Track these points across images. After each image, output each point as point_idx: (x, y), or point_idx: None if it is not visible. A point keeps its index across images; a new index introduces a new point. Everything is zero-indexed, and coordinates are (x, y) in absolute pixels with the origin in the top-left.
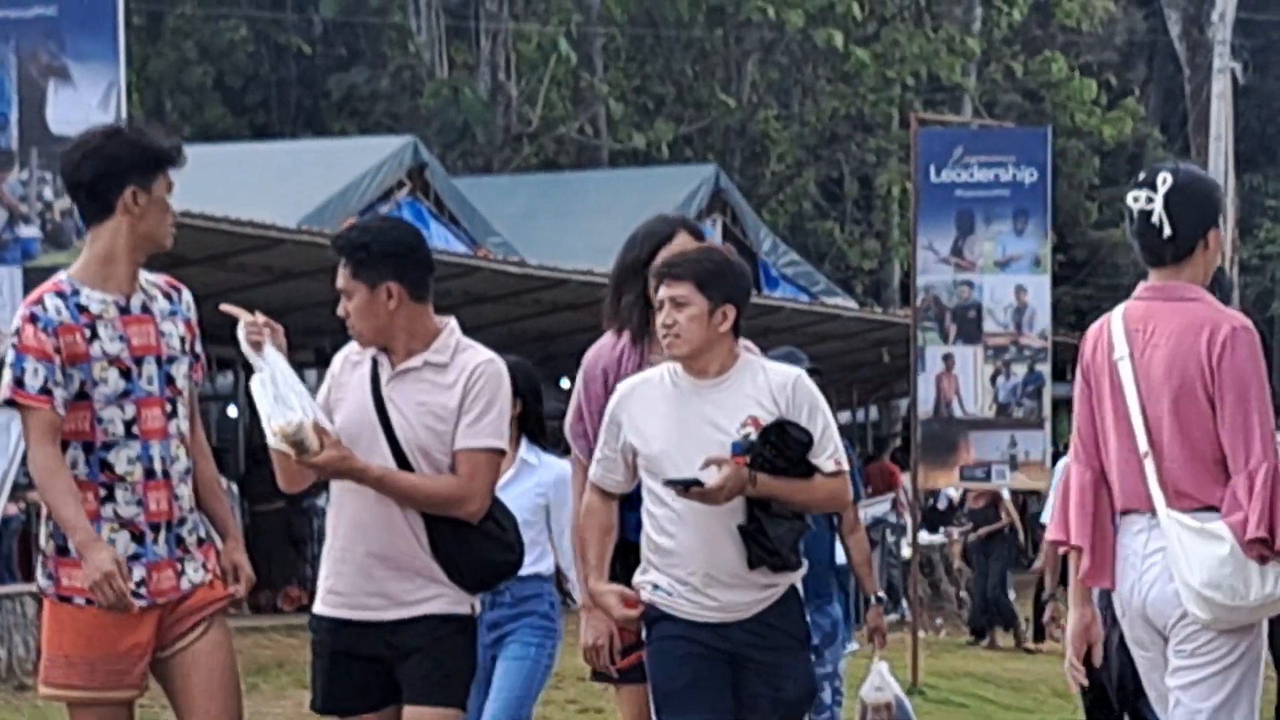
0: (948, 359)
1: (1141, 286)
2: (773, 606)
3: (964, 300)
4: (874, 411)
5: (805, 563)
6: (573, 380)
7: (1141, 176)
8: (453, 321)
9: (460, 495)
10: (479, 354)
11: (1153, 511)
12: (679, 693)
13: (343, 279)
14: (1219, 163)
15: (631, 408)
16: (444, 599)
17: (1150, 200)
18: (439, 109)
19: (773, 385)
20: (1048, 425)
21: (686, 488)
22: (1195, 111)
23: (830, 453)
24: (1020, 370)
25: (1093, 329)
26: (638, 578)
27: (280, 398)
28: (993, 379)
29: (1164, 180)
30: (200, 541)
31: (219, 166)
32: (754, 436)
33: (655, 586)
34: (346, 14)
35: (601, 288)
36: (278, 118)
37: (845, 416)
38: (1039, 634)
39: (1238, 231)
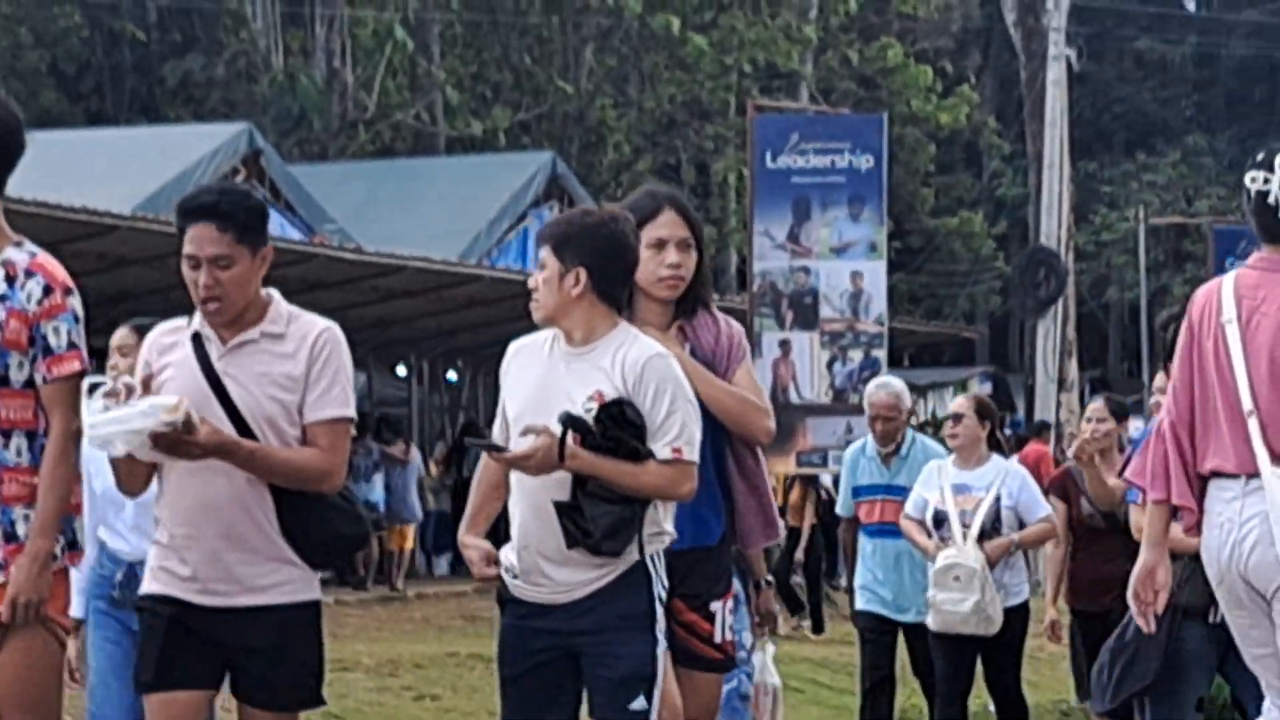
0: (784, 345)
1: (1254, 257)
2: (610, 586)
3: (800, 287)
4: None
5: (635, 549)
6: (410, 368)
7: (1260, 157)
8: (275, 291)
9: (326, 468)
10: (315, 321)
11: (1248, 475)
12: (512, 681)
13: (223, 245)
14: (1054, 150)
15: (512, 368)
16: (293, 585)
17: (1268, 181)
18: (275, 96)
19: (626, 361)
20: None
21: (489, 450)
22: (1031, 98)
23: (671, 439)
24: (857, 356)
25: (1202, 291)
26: (504, 550)
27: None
28: (829, 365)
29: None
30: (8, 538)
31: (53, 153)
32: (594, 411)
33: (506, 566)
34: (182, 1)
35: (439, 274)
36: (112, 104)
37: None
38: (818, 626)
39: (1073, 218)
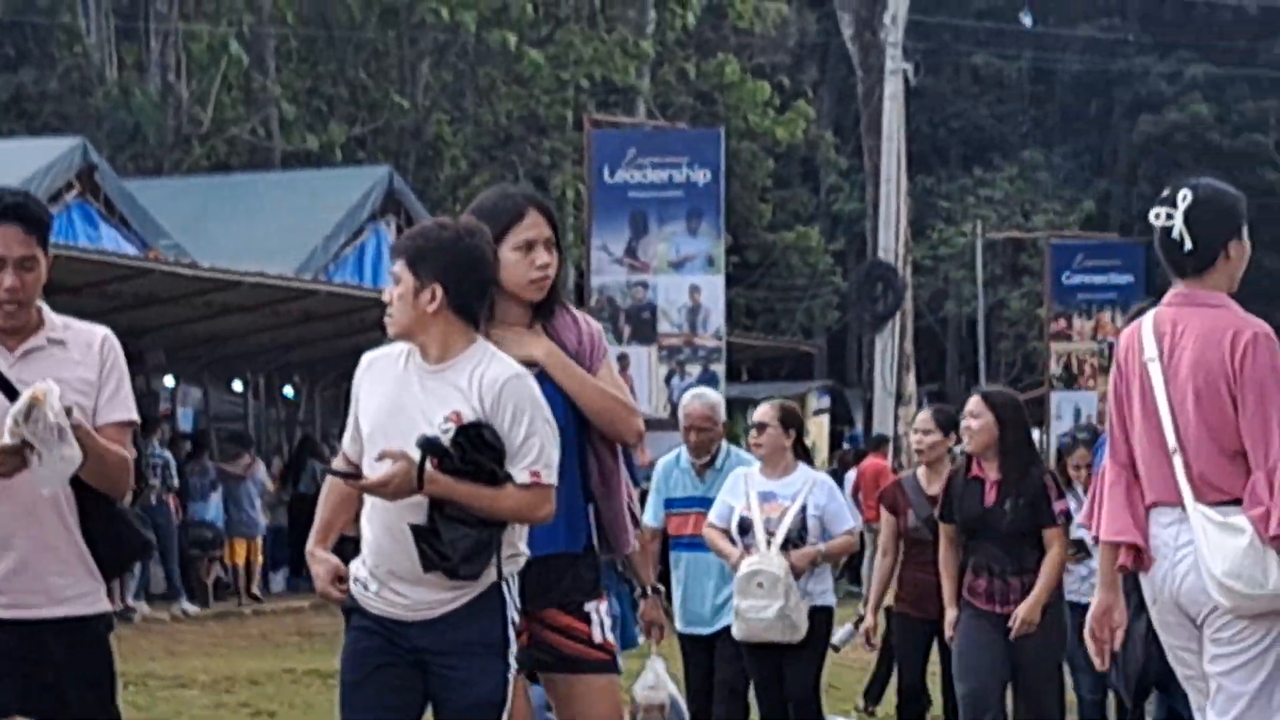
0: (622, 359)
1: (1170, 293)
2: (465, 608)
3: (638, 301)
4: None
5: (493, 572)
6: (245, 383)
7: (1165, 193)
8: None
9: (128, 468)
10: (93, 328)
11: (1183, 505)
12: (354, 686)
13: (30, 247)
14: (891, 164)
15: (365, 380)
16: (92, 595)
17: (1170, 217)
18: (109, 110)
19: (484, 382)
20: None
21: (346, 476)
22: (868, 113)
23: (529, 463)
24: (695, 370)
25: (1126, 332)
26: (353, 564)
27: None
28: (667, 379)
29: (1184, 197)
30: None
31: None
32: (451, 433)
33: (356, 579)
34: (14, 14)
35: (274, 289)
36: None
37: None
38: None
39: (910, 232)
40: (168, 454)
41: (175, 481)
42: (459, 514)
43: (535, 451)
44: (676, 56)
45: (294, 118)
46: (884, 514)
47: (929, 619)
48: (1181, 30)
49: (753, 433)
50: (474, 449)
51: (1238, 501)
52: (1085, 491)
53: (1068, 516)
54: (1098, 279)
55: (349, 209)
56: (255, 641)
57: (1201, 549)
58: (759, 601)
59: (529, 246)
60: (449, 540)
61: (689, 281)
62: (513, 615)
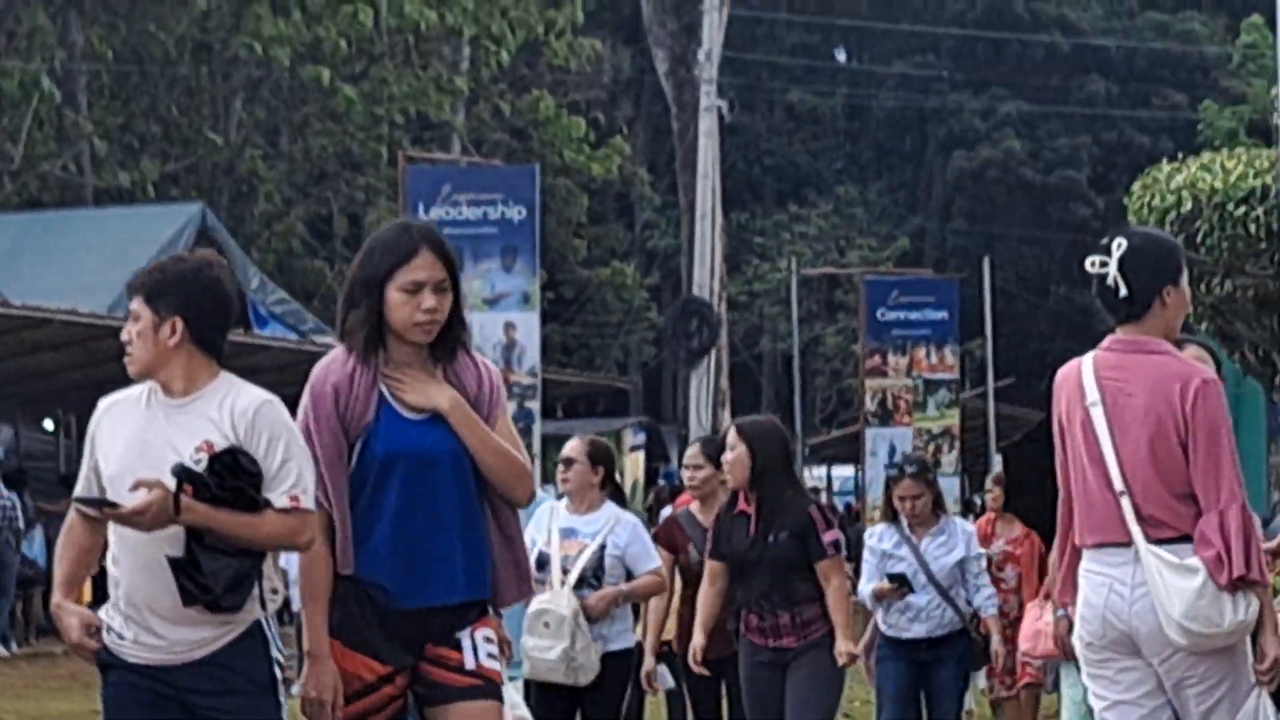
0: None
1: (1109, 339)
2: (229, 647)
3: None
4: None
5: (256, 606)
6: (57, 422)
7: (1102, 242)
8: None
9: None
10: None
11: (1131, 544)
12: None
13: None
14: (706, 200)
15: (104, 425)
16: None
17: (1105, 265)
18: None
19: (235, 410)
20: (538, 461)
21: (100, 506)
22: (683, 149)
23: (287, 488)
24: (510, 407)
25: (1060, 376)
26: (102, 612)
27: None
28: None
29: (1119, 245)
30: None
31: None
32: (205, 462)
33: (109, 628)
34: None
35: (87, 327)
36: None
37: None
38: None
39: (726, 268)
40: (14, 495)
41: (20, 523)
42: (218, 544)
43: (293, 476)
44: (491, 93)
45: (106, 154)
46: (661, 551)
47: (713, 659)
48: (995, 67)
49: (560, 468)
50: (231, 475)
51: (1186, 538)
52: (911, 524)
53: (838, 547)
54: (913, 315)
55: (162, 246)
56: (66, 682)
57: (1158, 592)
58: (544, 641)
59: (416, 288)
60: (210, 571)
61: (504, 319)
62: (277, 655)
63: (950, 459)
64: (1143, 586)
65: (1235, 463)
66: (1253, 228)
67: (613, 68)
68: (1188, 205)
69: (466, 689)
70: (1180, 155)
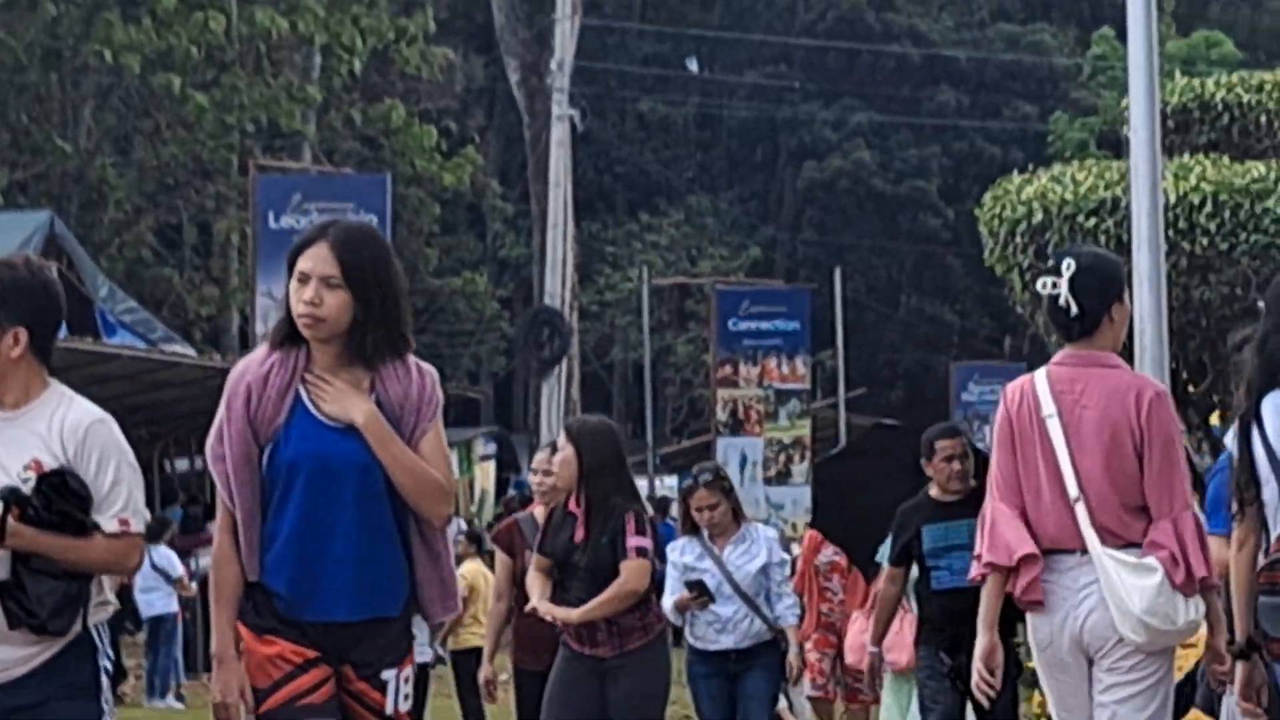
0: None
1: (1061, 354)
2: (53, 659)
3: None
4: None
5: (79, 625)
6: None
7: (1050, 264)
8: None
9: None
10: None
11: (1082, 550)
12: None
13: None
14: (558, 209)
15: None
16: None
17: (1056, 285)
18: None
19: (65, 427)
20: None
21: None
22: (534, 158)
23: (117, 510)
24: None
25: (1013, 388)
26: None
27: None
28: None
29: (1068, 266)
30: None
31: None
32: (33, 482)
33: None
34: None
35: None
36: None
37: (184, 464)
38: None
39: (577, 278)
40: None
41: None
42: (45, 567)
43: (123, 498)
44: (343, 102)
45: None
46: (499, 555)
47: (546, 670)
48: (846, 78)
49: None
50: (59, 497)
51: (1135, 545)
52: (711, 534)
53: (641, 553)
54: (764, 325)
55: (9, 254)
56: None
57: (1117, 589)
58: None
59: (304, 279)
60: (35, 595)
61: None
62: (105, 663)
63: (801, 469)
64: (1088, 588)
65: (1185, 472)
66: (1103, 239)
67: (465, 76)
68: (1038, 216)
69: None
70: (1031, 166)
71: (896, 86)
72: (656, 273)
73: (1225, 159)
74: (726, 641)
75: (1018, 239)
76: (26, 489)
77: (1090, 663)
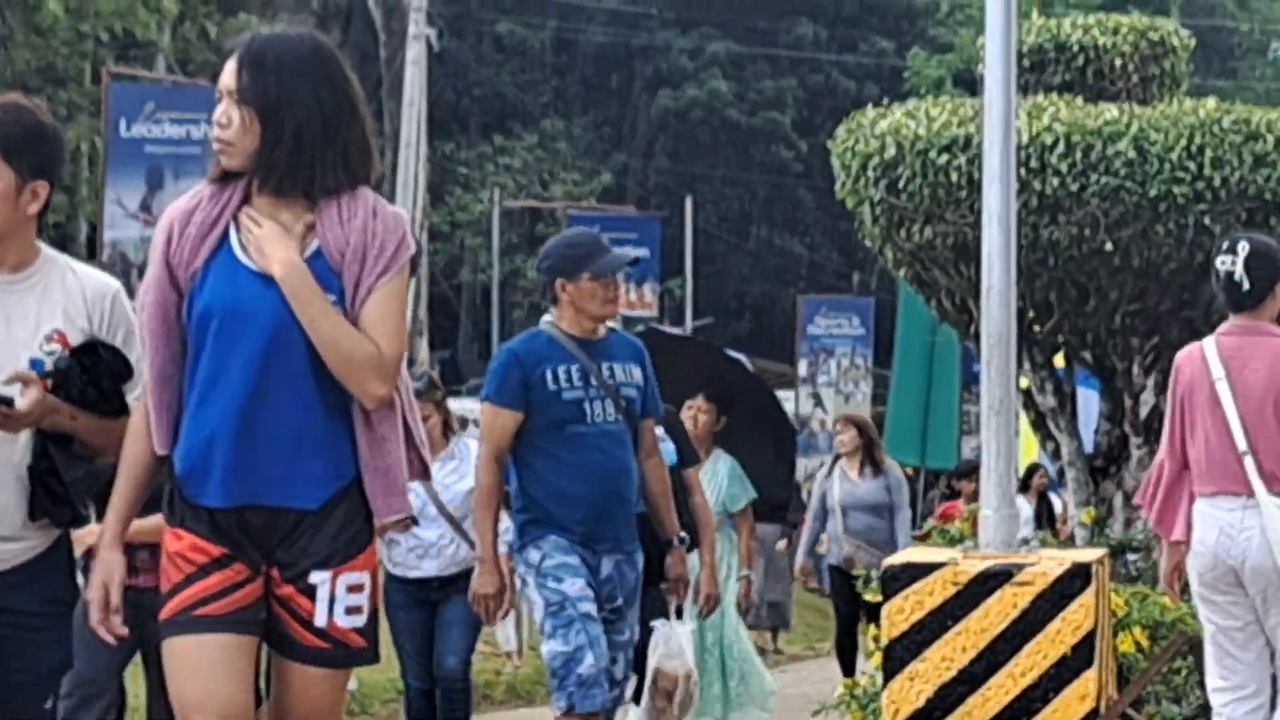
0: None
1: (1228, 324)
2: (34, 560)
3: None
4: None
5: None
6: None
7: (1225, 244)
8: None
9: None
10: None
11: (1248, 494)
12: None
13: None
14: (411, 129)
15: None
16: None
17: (1234, 263)
18: None
19: (88, 294)
20: None
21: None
22: (390, 77)
23: (139, 393)
24: None
25: (1183, 356)
26: None
27: None
28: None
29: (1243, 247)
30: None
31: None
32: (62, 356)
33: None
34: None
35: None
36: None
37: None
38: None
39: (429, 198)
40: None
41: None
42: (79, 450)
43: (141, 377)
44: (199, 14)
45: None
46: None
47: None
48: (704, 8)
49: None
50: (99, 373)
51: None
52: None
53: None
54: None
55: None
56: None
57: (1275, 534)
58: None
59: (219, 98)
60: (70, 481)
61: None
62: (76, 569)
63: None
64: (1251, 529)
65: None
66: (954, 176)
67: None
68: (891, 151)
69: (310, 650)
70: (886, 102)
71: (754, 17)
72: (508, 195)
73: (1079, 100)
74: (429, 568)
75: (869, 173)
76: (52, 363)
77: (1249, 597)
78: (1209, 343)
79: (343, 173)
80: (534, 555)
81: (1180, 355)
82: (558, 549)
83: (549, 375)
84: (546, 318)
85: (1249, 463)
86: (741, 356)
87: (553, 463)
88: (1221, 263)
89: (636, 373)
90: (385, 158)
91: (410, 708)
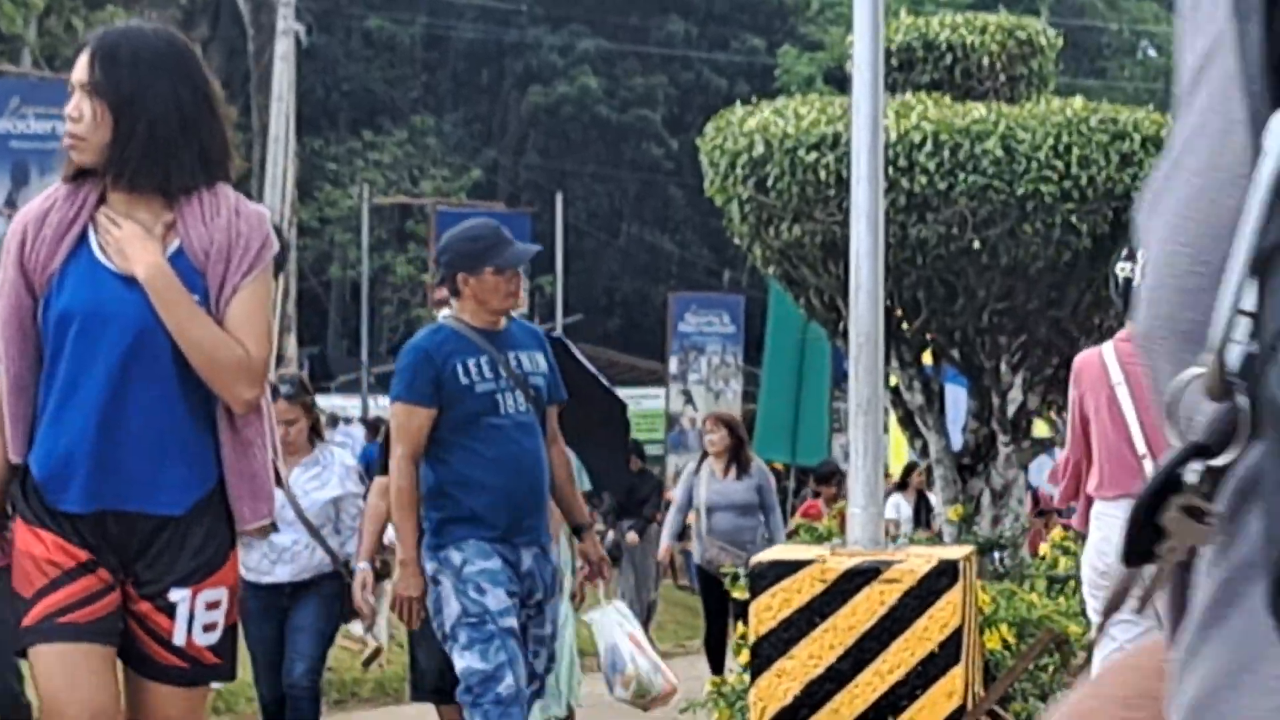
0: None
1: (1126, 330)
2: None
3: None
4: None
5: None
6: None
7: (1125, 251)
8: None
9: None
10: None
11: None
12: None
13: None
14: (280, 124)
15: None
16: None
17: (1133, 269)
18: None
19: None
20: None
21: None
22: (258, 72)
23: None
24: None
25: (1081, 360)
26: None
27: None
28: None
29: (1143, 254)
30: None
31: None
32: None
33: None
34: None
35: None
36: None
37: None
38: None
39: (297, 194)
40: None
41: None
42: None
43: None
44: (65, 8)
45: None
46: None
47: None
48: (574, 4)
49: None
50: None
51: None
52: (283, 454)
53: None
54: None
55: None
56: None
57: None
58: None
59: (71, 92)
60: None
61: None
62: None
63: None
64: None
65: None
66: (823, 174)
67: None
68: (759, 149)
69: (167, 669)
70: (756, 99)
71: (625, 14)
72: (378, 191)
73: (947, 99)
74: (282, 574)
75: (738, 170)
76: None
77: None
78: (1108, 348)
79: (200, 171)
80: (455, 557)
81: (1079, 360)
82: (480, 554)
83: (459, 369)
84: (446, 311)
85: (1149, 465)
86: (568, 340)
87: (468, 456)
88: (1121, 269)
89: (541, 360)
90: (254, 153)
91: (264, 715)
